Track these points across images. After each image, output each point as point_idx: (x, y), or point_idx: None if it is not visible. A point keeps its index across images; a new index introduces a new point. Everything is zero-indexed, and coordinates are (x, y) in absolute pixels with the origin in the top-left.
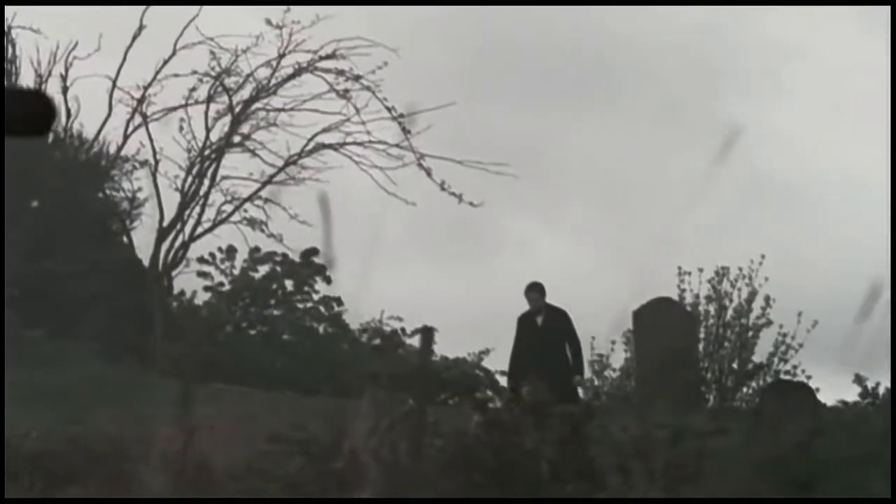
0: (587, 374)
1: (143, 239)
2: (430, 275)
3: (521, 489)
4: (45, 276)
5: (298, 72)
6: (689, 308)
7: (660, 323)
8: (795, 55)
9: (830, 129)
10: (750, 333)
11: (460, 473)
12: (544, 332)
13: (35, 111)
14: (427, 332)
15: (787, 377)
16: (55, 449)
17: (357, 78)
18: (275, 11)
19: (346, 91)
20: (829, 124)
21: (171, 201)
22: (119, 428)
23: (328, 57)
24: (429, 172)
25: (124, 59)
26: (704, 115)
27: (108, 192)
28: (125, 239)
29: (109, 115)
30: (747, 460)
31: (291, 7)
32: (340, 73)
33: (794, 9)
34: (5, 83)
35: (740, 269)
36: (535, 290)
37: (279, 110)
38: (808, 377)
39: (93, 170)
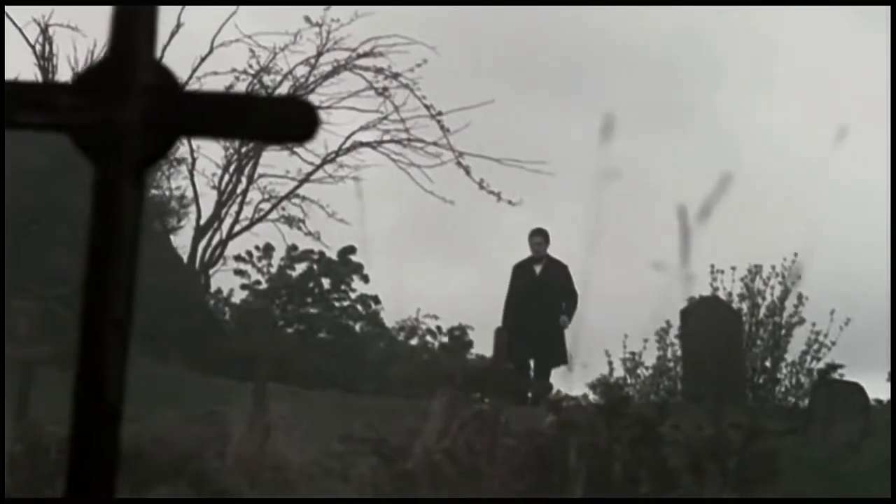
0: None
1: (180, 237)
2: (437, 271)
3: (595, 489)
4: None
5: (337, 69)
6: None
7: (707, 322)
8: (788, 54)
9: (821, 126)
10: (783, 331)
11: (533, 474)
12: (542, 282)
13: (295, 119)
14: (500, 333)
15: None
16: (143, 449)
17: (395, 76)
18: (313, 10)
19: (385, 89)
20: (821, 122)
21: (209, 199)
22: (196, 428)
23: (366, 55)
24: (468, 171)
25: (162, 56)
26: (698, 113)
27: (155, 190)
28: (171, 237)
29: None
30: (800, 460)
31: (331, 5)
32: (379, 70)
33: (787, 8)
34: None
35: (773, 267)
36: (539, 235)
37: (317, 108)
38: (841, 375)
39: None
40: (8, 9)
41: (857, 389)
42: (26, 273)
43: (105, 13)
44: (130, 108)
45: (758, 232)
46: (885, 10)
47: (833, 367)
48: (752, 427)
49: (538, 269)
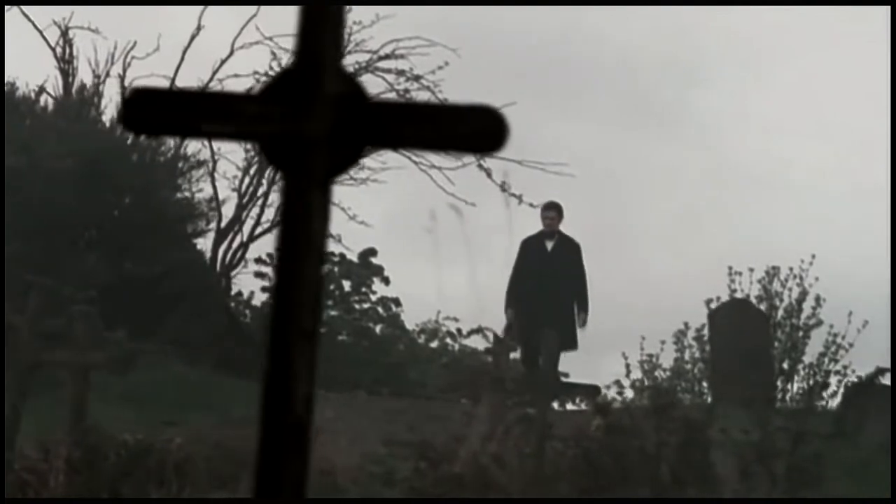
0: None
1: (200, 240)
2: (456, 273)
3: (642, 492)
4: (123, 277)
5: (358, 72)
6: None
7: (736, 324)
8: (778, 54)
9: (812, 126)
10: (801, 333)
11: (581, 476)
12: (553, 259)
13: (484, 128)
14: (551, 336)
15: (838, 377)
16: (203, 453)
17: (417, 78)
18: None
19: (406, 91)
20: (811, 121)
21: (230, 202)
22: (236, 431)
23: (387, 57)
24: (489, 173)
25: (182, 58)
26: (685, 112)
27: (185, 193)
28: (200, 240)
29: None
30: (834, 461)
31: (352, 7)
32: (400, 72)
33: (779, 8)
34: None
35: (791, 269)
36: (552, 209)
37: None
38: (859, 377)
39: (170, 171)
40: (28, 11)
41: (888, 391)
42: (55, 276)
43: (128, 15)
44: (318, 120)
45: (761, 232)
46: (880, 11)
47: (881, 370)
48: (799, 430)
49: (550, 244)
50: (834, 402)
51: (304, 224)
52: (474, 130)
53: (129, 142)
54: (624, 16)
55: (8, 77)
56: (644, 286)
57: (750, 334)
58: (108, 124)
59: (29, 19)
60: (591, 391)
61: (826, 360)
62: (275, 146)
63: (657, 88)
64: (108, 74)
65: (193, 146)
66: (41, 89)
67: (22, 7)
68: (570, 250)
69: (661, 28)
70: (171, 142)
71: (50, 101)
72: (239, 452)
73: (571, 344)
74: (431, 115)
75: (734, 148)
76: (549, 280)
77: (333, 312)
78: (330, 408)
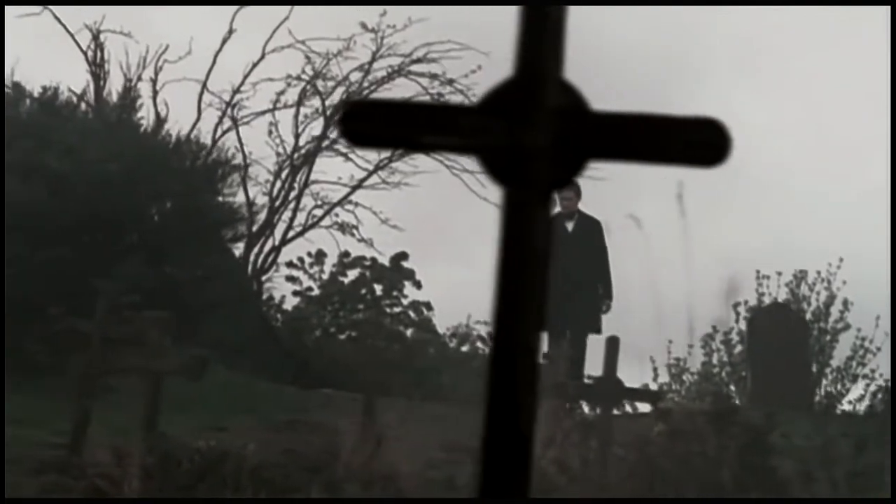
0: None
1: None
2: (487, 277)
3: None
4: (164, 281)
5: (391, 75)
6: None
7: (775, 329)
8: (775, 55)
9: (812, 127)
10: (828, 337)
11: (642, 482)
12: (574, 241)
13: (707, 140)
14: (612, 341)
15: (866, 381)
16: (273, 460)
17: (450, 81)
18: (368, 16)
19: (439, 95)
20: (808, 123)
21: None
22: (285, 436)
23: (420, 60)
24: None
25: (214, 62)
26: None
27: (223, 198)
28: (236, 245)
29: (199, 119)
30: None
31: (386, 9)
32: (434, 76)
33: (775, 8)
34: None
35: (818, 272)
36: (569, 189)
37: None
38: (886, 381)
39: (210, 176)
40: (60, 14)
41: None
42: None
43: (160, 19)
44: (539, 133)
45: (782, 235)
46: (880, 11)
47: None
48: (861, 436)
49: (570, 225)
50: (860, 406)
51: (525, 238)
52: (697, 142)
53: (170, 146)
54: (623, 16)
55: (48, 82)
56: (664, 288)
57: (790, 338)
58: (148, 129)
59: (60, 23)
60: (653, 396)
61: (854, 363)
62: (495, 158)
63: (654, 88)
64: (139, 78)
65: (231, 151)
66: (80, 97)
67: (50, 7)
68: (591, 230)
69: (660, 28)
70: (208, 145)
71: (89, 105)
72: (305, 458)
73: (595, 327)
74: (654, 126)
75: (738, 148)
76: (571, 261)
77: (365, 316)
78: (387, 413)
